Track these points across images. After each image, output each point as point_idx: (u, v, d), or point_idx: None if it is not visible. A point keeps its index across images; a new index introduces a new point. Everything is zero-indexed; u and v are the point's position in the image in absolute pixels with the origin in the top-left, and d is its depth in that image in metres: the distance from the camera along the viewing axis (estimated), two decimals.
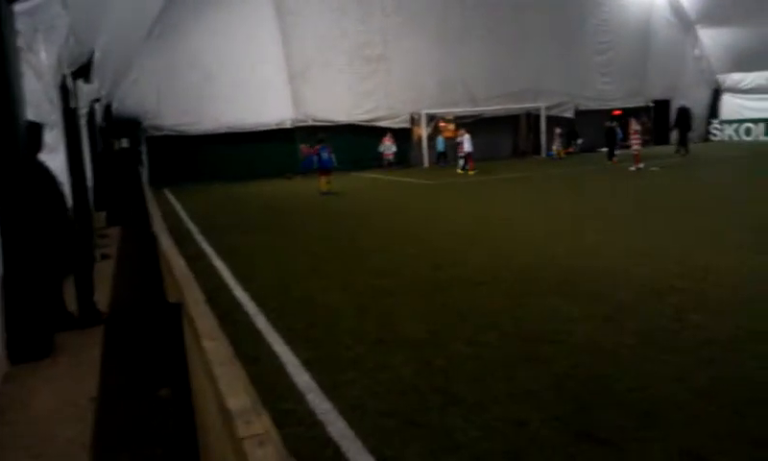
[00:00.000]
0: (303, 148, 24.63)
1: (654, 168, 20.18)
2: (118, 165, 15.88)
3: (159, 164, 24.92)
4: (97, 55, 12.31)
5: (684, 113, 28.28)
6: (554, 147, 29.35)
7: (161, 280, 4.36)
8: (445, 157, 27.97)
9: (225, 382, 1.63)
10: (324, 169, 18.50)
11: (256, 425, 1.38)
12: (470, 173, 23.04)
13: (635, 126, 21.42)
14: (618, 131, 25.31)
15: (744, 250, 8.16)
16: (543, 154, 30.51)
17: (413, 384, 4.49)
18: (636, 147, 20.95)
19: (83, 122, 11.93)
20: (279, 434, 1.38)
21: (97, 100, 15.01)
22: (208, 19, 25.14)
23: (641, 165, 20.30)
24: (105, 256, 9.71)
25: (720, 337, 5.05)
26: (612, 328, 5.42)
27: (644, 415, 3.82)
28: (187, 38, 24.84)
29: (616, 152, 24.58)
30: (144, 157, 24.49)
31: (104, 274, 8.20)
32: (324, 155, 18.35)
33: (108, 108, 20.56)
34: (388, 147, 28.18)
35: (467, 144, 23.67)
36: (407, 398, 4.28)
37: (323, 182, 18.43)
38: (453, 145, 26.63)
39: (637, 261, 7.84)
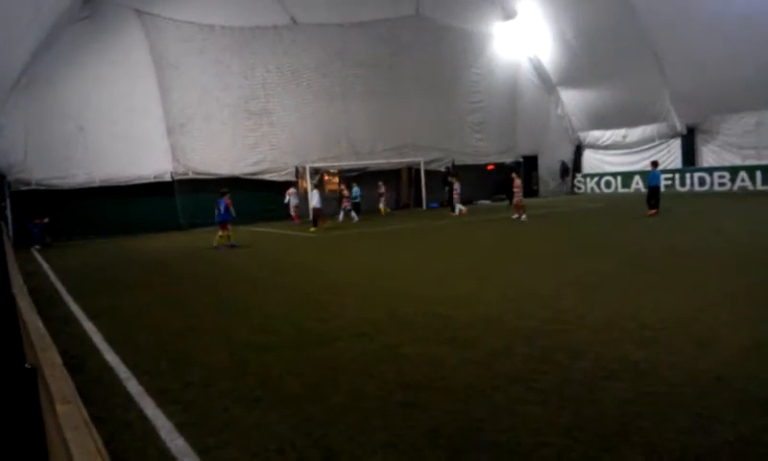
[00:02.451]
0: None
1: (523, 218, 21.59)
2: None
3: (26, 221, 23.12)
4: None
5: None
6: (380, 205, 29.22)
7: (21, 344, 4.09)
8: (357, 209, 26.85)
9: (77, 447, 1.58)
10: (220, 222, 18.34)
11: None
12: (311, 230, 22.31)
13: (517, 181, 22.88)
14: (456, 187, 26.58)
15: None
16: (424, 206, 31.61)
17: (291, 441, 4.45)
18: (518, 199, 22.48)
19: None
20: None
21: None
22: (83, 70, 24.08)
23: (517, 215, 21.84)
24: None
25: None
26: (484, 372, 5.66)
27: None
28: (59, 89, 23.61)
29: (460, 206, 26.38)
30: (8, 213, 22.76)
31: None
32: (221, 208, 18.16)
33: None
34: (293, 200, 27.85)
35: (314, 200, 23.39)
36: (285, 456, 4.23)
37: (218, 236, 18.28)
38: (338, 198, 26.86)
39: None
